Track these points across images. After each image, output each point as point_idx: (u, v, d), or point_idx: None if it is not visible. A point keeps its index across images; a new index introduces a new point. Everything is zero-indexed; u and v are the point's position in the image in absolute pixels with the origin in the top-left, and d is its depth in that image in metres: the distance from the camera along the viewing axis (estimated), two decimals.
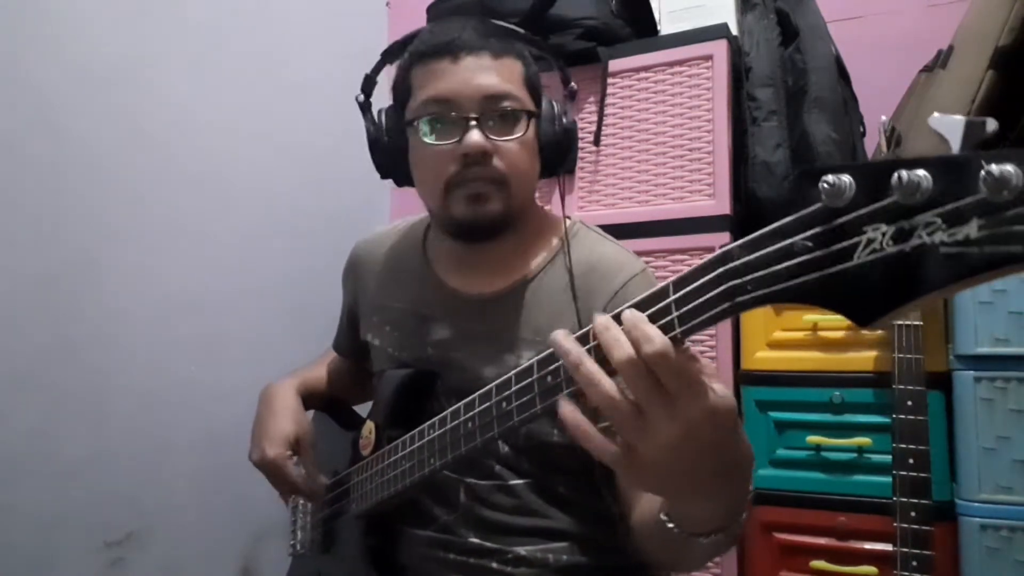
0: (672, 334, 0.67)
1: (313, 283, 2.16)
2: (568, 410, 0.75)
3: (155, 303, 1.84)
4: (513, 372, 0.89)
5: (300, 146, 2.32)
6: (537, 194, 1.33)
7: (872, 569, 1.61)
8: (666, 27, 2.05)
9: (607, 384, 0.70)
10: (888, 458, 1.51)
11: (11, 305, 1.56)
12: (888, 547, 1.49)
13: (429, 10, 2.16)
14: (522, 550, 1.18)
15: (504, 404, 0.90)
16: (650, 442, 0.70)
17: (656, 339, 0.66)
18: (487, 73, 1.15)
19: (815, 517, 1.69)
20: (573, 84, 1.33)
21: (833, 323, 1.68)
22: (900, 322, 1.53)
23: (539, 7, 1.95)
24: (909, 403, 1.50)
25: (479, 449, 0.98)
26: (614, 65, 1.99)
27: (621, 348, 0.68)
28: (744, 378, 1.79)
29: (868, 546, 1.63)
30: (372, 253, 1.45)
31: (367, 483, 1.25)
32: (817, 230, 0.56)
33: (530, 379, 0.86)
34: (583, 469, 1.17)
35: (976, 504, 1.52)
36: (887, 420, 1.53)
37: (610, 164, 2.00)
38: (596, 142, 1.99)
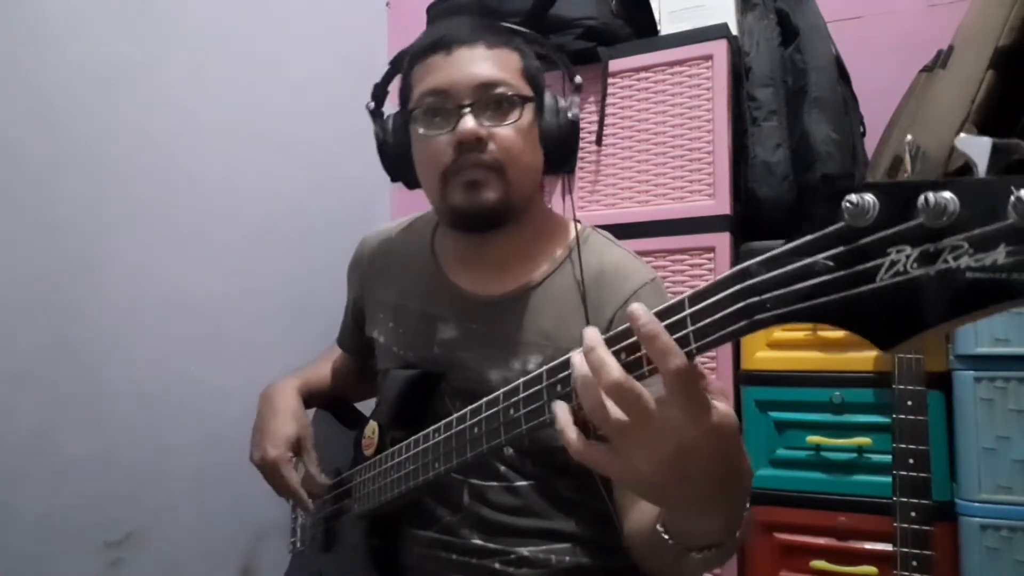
0: (687, 349, 0.67)
1: (313, 283, 2.16)
2: (560, 411, 0.77)
3: (155, 303, 1.84)
4: (522, 380, 0.89)
5: (300, 146, 2.31)
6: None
7: (872, 569, 1.62)
8: (666, 27, 2.04)
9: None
10: (888, 458, 1.51)
11: (11, 305, 1.55)
12: (888, 547, 1.49)
13: (429, 10, 2.15)
14: (525, 551, 1.18)
15: (512, 411, 0.91)
16: (647, 459, 0.71)
17: (675, 352, 0.67)
18: (481, 62, 1.17)
19: (815, 517, 1.69)
20: (578, 78, 1.33)
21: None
22: None
23: (539, 7, 1.94)
24: (909, 403, 1.50)
25: (485, 455, 0.99)
26: (614, 65, 1.99)
27: (608, 370, 0.70)
28: (744, 378, 1.79)
29: (868, 546, 1.64)
30: (379, 248, 1.45)
31: (370, 484, 1.26)
32: (839, 250, 0.55)
33: (539, 387, 0.86)
34: (587, 472, 1.17)
35: (976, 504, 1.53)
36: (887, 420, 1.53)
37: (610, 164, 2.00)
38: (598, 142, 1.99)
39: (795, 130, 1.92)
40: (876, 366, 1.67)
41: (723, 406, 0.71)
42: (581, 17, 1.95)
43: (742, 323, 0.63)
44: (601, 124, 1.99)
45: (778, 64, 1.97)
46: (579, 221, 1.29)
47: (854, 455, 1.66)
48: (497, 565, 1.19)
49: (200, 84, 1.98)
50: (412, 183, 1.28)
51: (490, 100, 1.16)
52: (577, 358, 0.74)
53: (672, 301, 0.70)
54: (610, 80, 1.99)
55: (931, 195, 0.49)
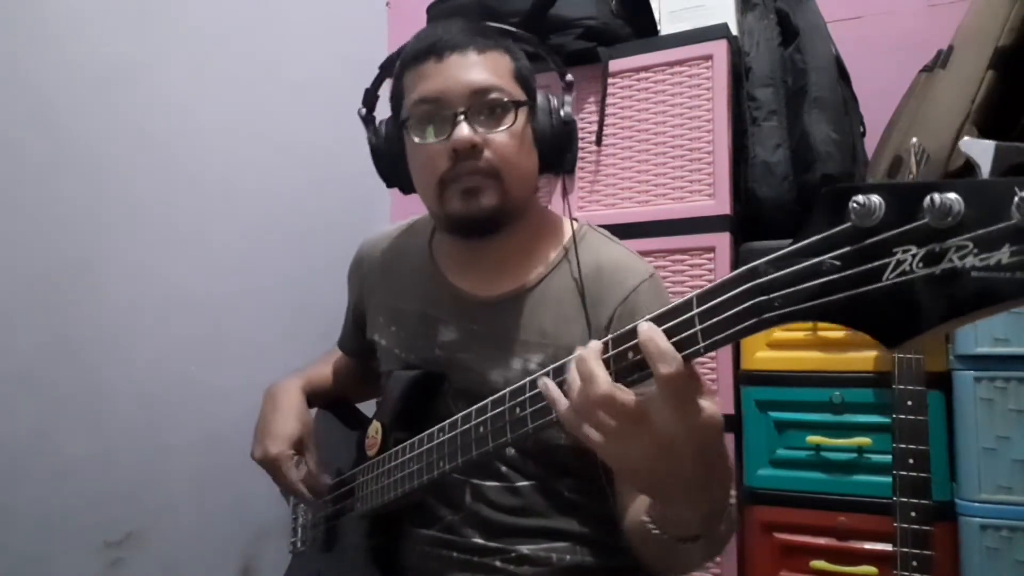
0: (695, 348, 0.68)
1: (313, 283, 2.16)
2: (546, 384, 0.82)
3: (155, 303, 1.84)
4: (527, 379, 0.90)
5: (300, 146, 2.32)
6: (538, 195, 1.33)
7: (872, 569, 1.62)
8: (666, 27, 2.04)
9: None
10: (888, 458, 1.50)
11: (11, 305, 1.55)
12: (888, 547, 1.49)
13: (429, 10, 2.15)
14: (525, 549, 1.19)
15: (518, 410, 0.91)
16: (635, 446, 0.74)
17: (671, 358, 0.69)
18: (473, 68, 1.16)
19: (815, 517, 1.69)
20: (569, 76, 1.32)
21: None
22: None
23: (539, 7, 1.94)
24: (909, 403, 1.50)
25: (491, 454, 0.99)
26: (614, 65, 1.99)
27: (594, 383, 0.74)
28: (744, 378, 1.79)
29: (868, 546, 1.64)
30: (378, 252, 1.45)
31: (373, 483, 1.26)
32: (846, 250, 0.56)
33: None
34: (588, 472, 1.17)
35: (976, 504, 1.53)
36: (887, 420, 1.53)
37: (610, 164, 2.00)
38: (598, 142, 1.99)
39: (795, 130, 1.93)
40: (876, 366, 1.66)
41: (710, 406, 0.73)
42: (581, 17, 1.95)
43: (750, 322, 0.64)
44: (601, 124, 1.99)
45: (778, 64, 1.97)
46: (576, 219, 1.29)
47: (854, 455, 1.66)
48: (498, 563, 1.19)
49: (200, 84, 1.98)
50: (407, 188, 1.28)
51: (483, 106, 1.16)
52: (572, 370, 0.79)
53: (680, 300, 0.71)
54: (610, 80, 1.99)
55: (937, 196, 0.49)
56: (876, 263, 0.54)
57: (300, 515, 1.53)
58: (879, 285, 0.54)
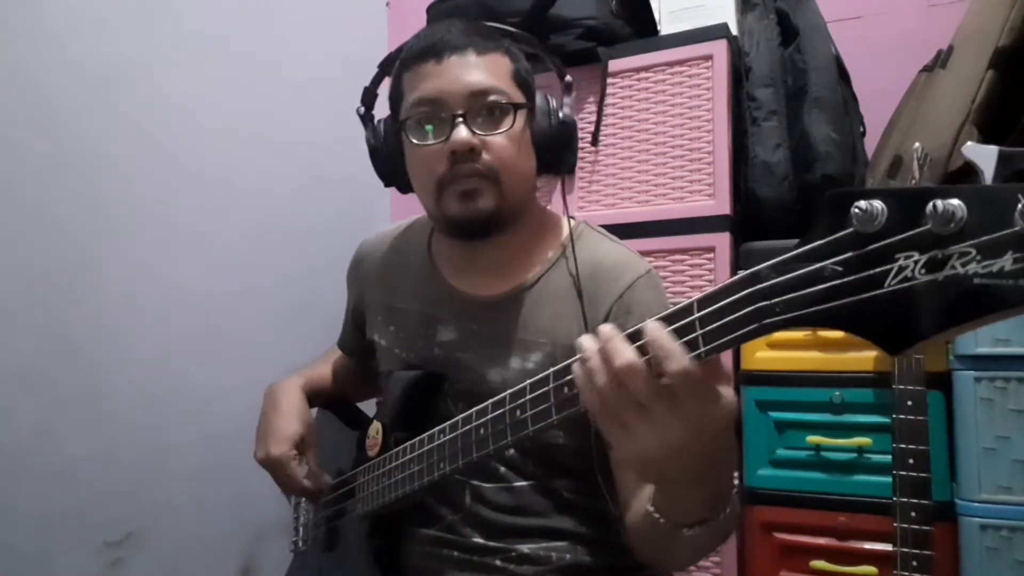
0: (696, 353, 0.68)
1: (313, 283, 2.16)
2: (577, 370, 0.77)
3: (155, 303, 1.84)
4: (528, 381, 0.90)
5: (300, 146, 2.31)
6: (537, 194, 1.32)
7: (872, 569, 1.62)
8: (666, 27, 2.04)
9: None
10: (888, 458, 1.51)
11: (11, 305, 1.55)
12: (888, 547, 1.49)
13: (429, 10, 2.15)
14: (525, 548, 1.19)
15: (518, 412, 0.91)
16: (653, 437, 0.72)
17: (678, 356, 0.68)
18: (472, 70, 1.16)
19: (815, 517, 1.69)
20: (568, 77, 1.32)
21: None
22: None
23: (539, 7, 1.94)
24: (909, 403, 1.50)
25: (491, 455, 0.99)
26: (614, 65, 1.99)
27: (623, 359, 0.71)
28: (744, 378, 1.79)
29: (868, 546, 1.64)
30: (377, 252, 1.45)
31: (374, 484, 1.26)
32: (848, 255, 0.56)
33: (546, 388, 0.87)
34: (586, 471, 1.18)
35: (976, 504, 1.53)
36: (887, 420, 1.53)
37: (609, 164, 2.00)
38: (594, 142, 1.99)
39: (795, 130, 1.93)
40: (876, 366, 1.67)
41: (729, 393, 0.73)
42: (581, 17, 1.95)
43: (752, 327, 0.64)
44: (598, 124, 1.99)
45: (778, 64, 1.97)
46: (573, 218, 1.29)
47: (854, 455, 1.66)
48: (498, 562, 1.19)
49: (200, 84, 1.98)
50: (405, 188, 1.28)
51: (482, 108, 1.16)
52: (587, 342, 0.76)
53: (681, 304, 0.71)
54: (610, 80, 1.99)
55: (939, 202, 0.49)
56: (878, 269, 0.54)
57: (302, 515, 1.53)
58: (881, 291, 0.54)
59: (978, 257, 0.48)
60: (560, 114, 1.24)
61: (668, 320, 0.71)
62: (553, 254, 1.27)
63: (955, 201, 0.49)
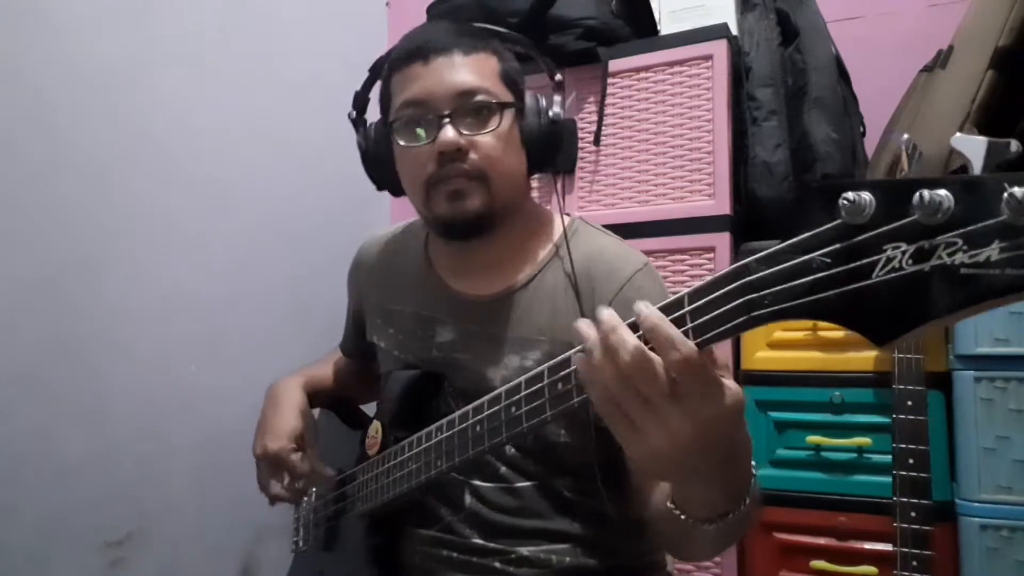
0: None
1: (313, 283, 2.16)
2: (579, 357, 0.76)
3: (155, 303, 1.84)
4: (523, 377, 0.90)
5: (300, 146, 2.32)
6: (536, 194, 1.32)
7: (872, 569, 1.62)
8: (666, 27, 2.04)
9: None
10: (888, 458, 1.51)
11: (11, 305, 1.55)
12: (888, 547, 1.49)
13: (429, 10, 2.15)
14: (525, 550, 1.19)
15: (513, 409, 0.91)
16: (662, 435, 0.71)
17: (680, 343, 0.67)
18: (458, 70, 1.16)
19: (815, 517, 1.69)
20: (559, 76, 1.32)
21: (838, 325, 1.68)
22: None
23: (539, 7, 1.94)
24: (909, 403, 1.50)
25: (487, 453, 0.99)
26: (614, 65, 1.99)
27: (628, 350, 0.69)
28: (744, 378, 1.79)
29: (868, 546, 1.64)
30: (376, 255, 1.46)
31: (372, 483, 1.26)
32: (836, 247, 0.56)
33: (540, 384, 0.86)
34: (587, 471, 1.17)
35: (976, 504, 1.53)
36: (887, 420, 1.54)
37: (610, 164, 2.00)
38: (596, 142, 1.99)
39: (795, 130, 1.93)
40: (876, 366, 1.67)
41: (733, 384, 0.72)
42: (581, 17, 1.96)
43: (741, 319, 0.64)
44: (600, 124, 1.99)
45: (778, 64, 1.97)
46: (568, 214, 1.29)
47: (854, 455, 1.67)
48: (498, 564, 1.19)
49: (200, 84, 1.98)
50: (397, 191, 1.28)
51: (469, 108, 1.16)
52: (588, 330, 0.74)
53: (672, 298, 0.70)
54: (610, 80, 2.00)
55: (926, 192, 0.49)
56: (866, 260, 0.54)
57: (302, 514, 1.53)
58: (869, 282, 0.54)
59: (965, 247, 0.48)
60: (550, 113, 1.24)
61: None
62: (548, 251, 1.27)
63: (942, 191, 0.49)
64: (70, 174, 1.66)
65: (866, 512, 1.64)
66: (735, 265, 0.64)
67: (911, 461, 1.48)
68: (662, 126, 1.94)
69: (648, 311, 0.69)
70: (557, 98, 1.26)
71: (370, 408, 1.52)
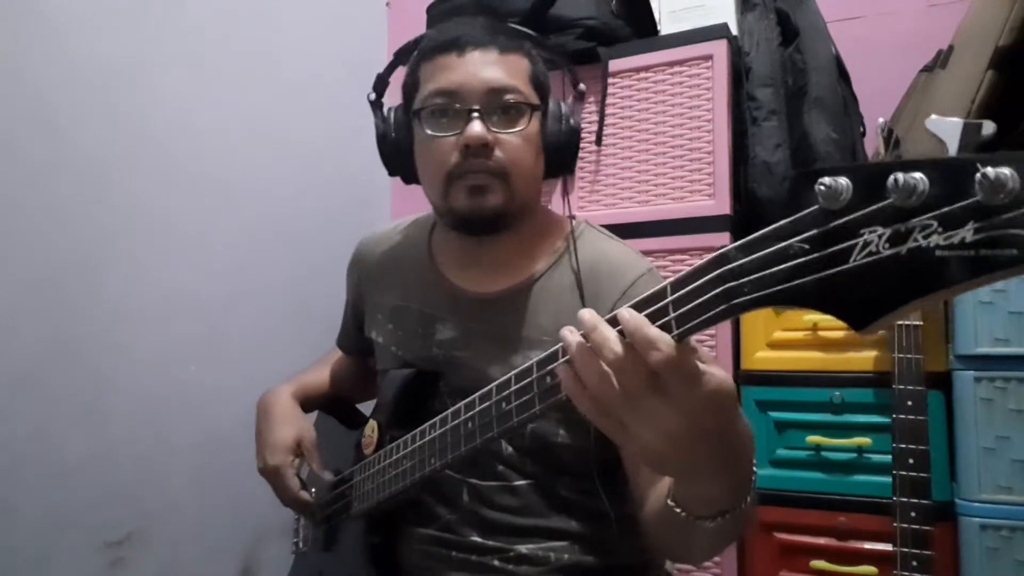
0: (672, 335, 0.67)
1: (313, 283, 2.17)
2: (563, 373, 0.75)
3: (155, 303, 1.84)
4: (513, 372, 0.89)
5: (300, 146, 2.32)
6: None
7: (872, 569, 1.61)
8: (666, 27, 2.05)
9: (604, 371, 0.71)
10: (888, 458, 1.51)
11: (11, 305, 1.56)
12: (888, 547, 1.49)
13: (429, 10, 2.16)
14: (524, 548, 1.18)
15: (504, 404, 0.91)
16: (652, 430, 0.71)
17: (661, 343, 0.66)
18: (492, 67, 1.16)
19: (815, 517, 1.69)
20: (582, 85, 1.33)
21: (833, 323, 1.65)
22: (900, 322, 1.53)
23: (539, 7, 1.95)
24: (909, 403, 1.50)
25: (479, 449, 0.99)
26: (614, 65, 1.99)
27: (609, 346, 0.69)
28: (744, 378, 1.79)
29: (868, 546, 1.63)
30: (376, 250, 1.45)
31: (368, 482, 1.26)
32: (813, 232, 0.55)
33: (529, 379, 0.86)
34: (585, 470, 1.17)
35: (976, 504, 1.52)
36: (887, 420, 1.53)
37: (610, 164, 2.00)
38: (598, 142, 2.00)
39: (795, 130, 1.92)
40: (876, 366, 1.66)
41: (719, 372, 0.71)
42: (581, 17, 1.96)
43: (721, 307, 0.63)
44: (601, 124, 1.99)
45: (778, 64, 1.97)
46: (574, 217, 1.29)
47: (854, 455, 1.66)
48: (496, 562, 1.19)
49: (200, 84, 1.99)
50: (410, 178, 1.28)
51: (499, 106, 1.16)
52: (570, 336, 0.74)
53: (653, 289, 0.70)
54: (610, 80, 2.00)
55: (901, 176, 0.49)
56: (843, 245, 0.53)
57: (301, 515, 1.53)
58: (846, 267, 0.53)
59: (940, 229, 0.48)
60: (571, 120, 1.24)
61: (643, 304, 0.70)
62: (555, 253, 1.27)
63: (917, 174, 0.49)
64: (70, 174, 1.67)
65: (866, 512, 1.63)
66: (715, 254, 0.64)
67: (911, 461, 1.47)
68: (662, 126, 1.94)
69: (629, 315, 0.69)
70: (577, 106, 1.27)
71: (368, 408, 1.52)
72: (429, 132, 1.17)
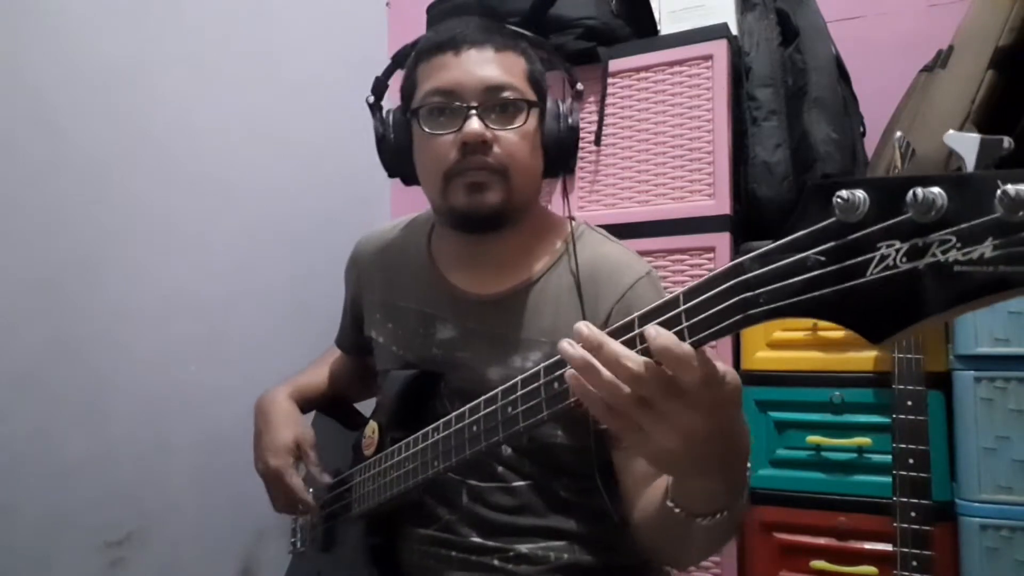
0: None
1: (313, 283, 2.16)
2: (573, 379, 0.74)
3: (155, 303, 1.84)
4: (519, 377, 0.89)
5: (300, 146, 2.32)
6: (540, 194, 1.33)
7: (872, 569, 1.62)
8: (666, 27, 2.04)
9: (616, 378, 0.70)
10: (888, 458, 1.51)
11: (11, 305, 1.55)
12: (888, 547, 1.49)
13: (429, 10, 2.15)
14: (523, 548, 1.19)
15: (510, 409, 0.91)
16: (669, 431, 0.71)
17: (694, 360, 0.67)
18: (489, 65, 1.17)
19: (815, 517, 1.69)
20: (580, 85, 1.34)
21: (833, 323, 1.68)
22: None
23: (539, 7, 1.95)
24: (909, 403, 1.50)
25: (483, 453, 0.99)
26: (614, 65, 1.99)
27: (623, 364, 0.69)
28: (744, 378, 1.74)
29: (868, 546, 1.64)
30: (375, 249, 1.45)
31: (369, 483, 1.26)
32: (830, 245, 0.56)
33: (536, 384, 0.86)
34: (584, 471, 1.17)
35: (976, 504, 1.53)
36: (887, 420, 1.53)
37: (610, 164, 2.01)
38: (597, 142, 2.00)
39: (795, 130, 1.93)
40: (876, 366, 1.67)
41: (730, 369, 0.71)
42: (581, 17, 1.96)
43: (736, 318, 0.64)
44: (600, 124, 2.00)
45: (778, 64, 1.97)
46: (573, 218, 1.29)
47: (854, 455, 1.66)
48: (496, 562, 1.19)
49: (200, 84, 1.98)
50: (410, 179, 1.28)
51: (497, 103, 1.16)
52: (572, 350, 0.73)
53: (667, 298, 0.70)
54: (610, 80, 2.00)
55: (920, 190, 0.49)
56: (860, 258, 0.54)
57: (300, 516, 1.53)
58: (863, 280, 0.53)
59: (958, 244, 0.48)
60: (569, 119, 1.24)
61: (655, 313, 0.70)
62: (554, 253, 1.27)
63: (935, 189, 0.49)
64: (70, 174, 1.66)
65: (866, 512, 1.64)
66: (730, 264, 0.64)
67: (911, 461, 1.48)
68: (662, 126, 1.94)
69: (656, 332, 0.68)
70: (575, 105, 1.27)
71: (366, 408, 1.52)
72: (427, 130, 1.17)
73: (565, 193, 1.33)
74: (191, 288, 1.93)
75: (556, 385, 0.83)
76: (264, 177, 2.18)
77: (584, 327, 0.72)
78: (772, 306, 0.60)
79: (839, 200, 0.54)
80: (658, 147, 1.94)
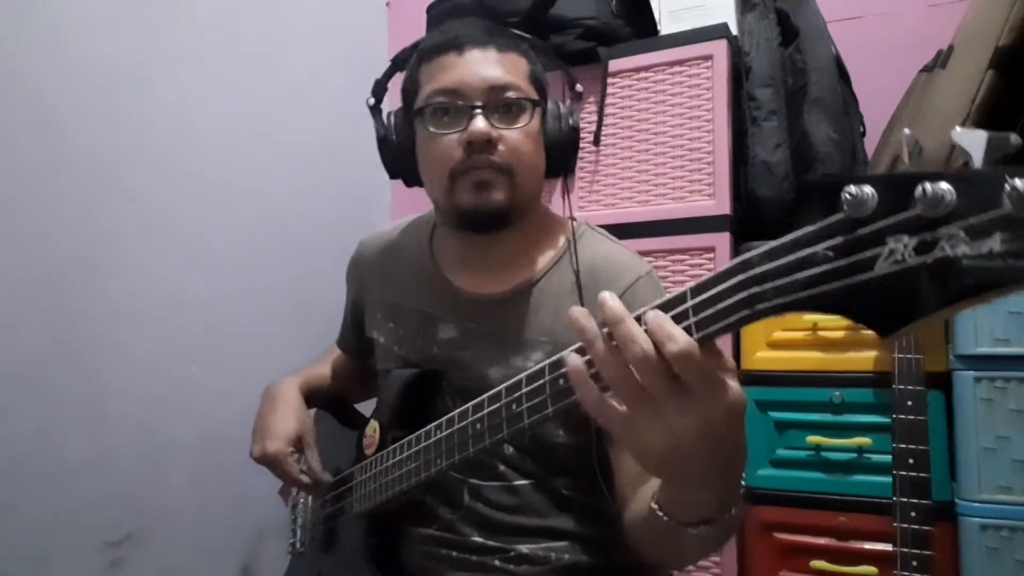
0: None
1: (313, 283, 2.16)
2: (574, 365, 0.75)
3: (155, 303, 1.84)
4: (524, 374, 0.89)
5: (300, 146, 2.32)
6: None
7: (872, 569, 1.62)
8: (666, 27, 2.05)
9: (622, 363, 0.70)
10: (888, 458, 1.51)
11: (11, 305, 1.55)
12: (888, 547, 1.49)
13: (429, 10, 2.15)
14: (524, 548, 1.19)
15: (514, 406, 0.91)
16: (661, 431, 0.71)
17: (680, 338, 0.66)
18: (492, 65, 1.17)
19: (815, 517, 1.69)
20: (579, 86, 1.34)
21: (833, 323, 1.68)
22: None
23: (539, 7, 1.94)
24: (909, 403, 1.50)
25: (487, 450, 0.99)
26: (614, 65, 1.99)
27: (639, 344, 0.68)
28: (744, 378, 1.79)
29: (868, 546, 1.64)
30: (377, 250, 1.45)
31: (370, 482, 1.26)
32: (838, 240, 0.56)
33: (541, 381, 0.86)
34: (586, 470, 1.17)
35: (976, 504, 1.53)
36: (887, 420, 1.54)
37: (610, 164, 2.01)
38: (596, 142, 2.00)
39: (795, 130, 1.93)
40: (876, 366, 1.67)
41: (736, 385, 0.71)
42: (581, 17, 1.96)
43: (744, 313, 0.64)
44: (600, 124, 2.00)
45: (778, 64, 1.97)
46: (574, 218, 1.30)
47: (854, 455, 1.67)
48: (497, 562, 1.19)
49: (200, 84, 1.98)
50: (411, 180, 1.28)
51: (500, 103, 1.17)
52: (587, 323, 0.73)
53: (675, 293, 0.70)
54: (610, 80, 2.00)
55: (928, 185, 0.49)
56: (869, 253, 0.54)
57: (299, 516, 1.52)
58: (872, 275, 0.54)
59: (967, 239, 0.48)
60: (570, 120, 1.25)
61: (662, 308, 0.70)
62: (555, 254, 1.28)
63: (944, 184, 0.49)
64: (70, 174, 1.66)
65: (866, 512, 1.64)
66: (737, 259, 0.64)
67: (911, 461, 1.48)
68: (662, 126, 1.94)
69: (653, 315, 0.69)
70: (575, 106, 1.28)
71: (366, 408, 1.52)
72: (432, 130, 1.17)
73: (565, 193, 1.33)
74: (191, 288, 1.93)
75: (561, 381, 0.82)
76: (264, 177, 2.18)
77: (608, 296, 0.72)
78: (780, 300, 0.60)
79: (847, 196, 0.54)
80: (658, 147, 1.94)
